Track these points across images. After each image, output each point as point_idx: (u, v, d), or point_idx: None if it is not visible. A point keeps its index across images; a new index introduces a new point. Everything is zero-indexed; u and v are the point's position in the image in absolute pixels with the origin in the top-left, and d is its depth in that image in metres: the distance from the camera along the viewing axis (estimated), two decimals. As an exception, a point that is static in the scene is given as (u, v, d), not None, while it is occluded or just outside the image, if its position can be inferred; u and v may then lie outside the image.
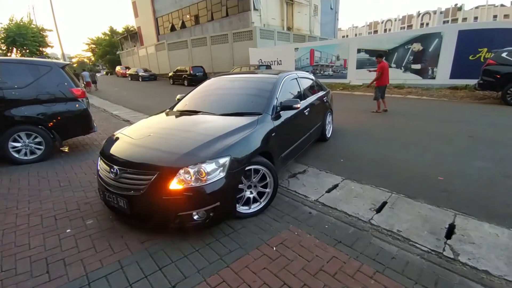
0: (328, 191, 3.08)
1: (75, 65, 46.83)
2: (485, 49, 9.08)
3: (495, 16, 42.94)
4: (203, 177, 2.04)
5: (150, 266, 1.92)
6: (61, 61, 7.65)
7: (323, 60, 14.68)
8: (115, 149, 2.43)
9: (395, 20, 56.37)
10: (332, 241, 2.20)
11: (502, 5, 46.35)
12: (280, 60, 17.06)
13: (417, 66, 10.94)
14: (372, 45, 12.40)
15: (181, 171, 2.02)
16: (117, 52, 42.03)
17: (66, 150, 4.79)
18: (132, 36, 38.23)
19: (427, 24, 49.81)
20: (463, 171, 3.45)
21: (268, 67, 15.85)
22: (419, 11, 53.18)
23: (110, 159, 2.31)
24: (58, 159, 4.29)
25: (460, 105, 8.15)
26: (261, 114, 2.86)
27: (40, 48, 24.89)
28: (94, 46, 49.02)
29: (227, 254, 2.03)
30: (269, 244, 2.14)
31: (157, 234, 2.25)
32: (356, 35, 58.66)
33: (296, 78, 3.95)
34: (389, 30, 55.83)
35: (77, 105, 4.38)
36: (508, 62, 7.08)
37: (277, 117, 2.98)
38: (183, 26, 26.77)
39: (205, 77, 19.99)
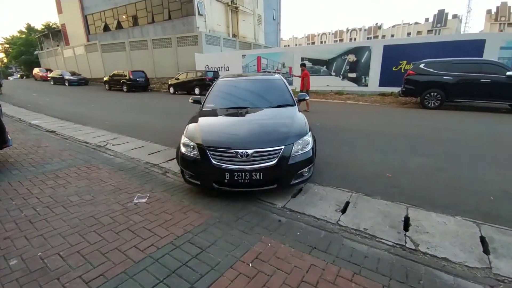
0: (293, 196, 3.06)
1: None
2: (405, 61, 10.68)
3: (409, 33, 51.61)
4: (306, 146, 2.98)
5: (101, 312, 1.53)
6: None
7: (269, 67, 15.18)
8: (232, 140, 2.92)
9: (329, 34, 62.99)
10: (307, 248, 2.14)
11: (416, 23, 55.74)
12: (228, 66, 17.03)
13: (353, 75, 12.23)
14: (314, 54, 13.39)
15: (295, 144, 2.89)
16: (35, 52, 36.00)
17: (-34, 172, 3.74)
18: (55, 34, 33.36)
19: (355, 38, 57.04)
20: (406, 167, 3.87)
21: (215, 73, 15.61)
22: (348, 28, 60.73)
23: (235, 147, 2.76)
24: (-47, 184, 3.29)
25: (390, 109, 9.34)
26: (293, 105, 3.94)
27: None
28: (7, 46, 41.21)
29: (199, 280, 1.77)
30: (243, 261, 1.96)
31: (108, 270, 1.85)
32: (296, 45, 63.11)
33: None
34: (325, 42, 61.91)
35: (-18, 114, 3.46)
36: (425, 72, 8.43)
37: None
38: (119, 26, 24.55)
39: (147, 82, 18.63)
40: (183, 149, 3.02)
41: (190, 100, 4.42)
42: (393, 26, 56.03)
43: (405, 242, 2.22)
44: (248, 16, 25.60)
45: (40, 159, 4.29)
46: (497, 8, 44.58)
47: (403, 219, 2.56)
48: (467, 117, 7.48)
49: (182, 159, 3.01)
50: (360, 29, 58.15)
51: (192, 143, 2.96)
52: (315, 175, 3.59)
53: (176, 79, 16.16)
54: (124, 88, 18.05)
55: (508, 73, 7.16)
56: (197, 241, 2.17)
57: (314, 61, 13.18)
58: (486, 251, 2.13)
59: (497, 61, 8.04)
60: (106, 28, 25.65)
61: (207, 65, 17.73)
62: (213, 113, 3.78)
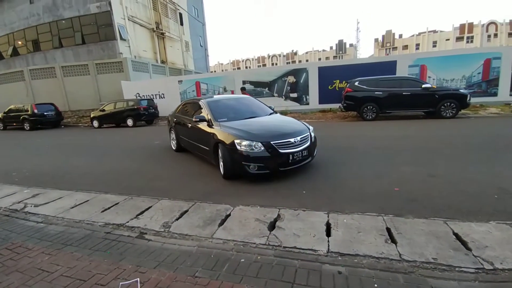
0: (327, 234, 2.57)
1: None
2: (338, 81, 11.92)
3: (319, 58, 60.41)
4: (313, 132, 4.52)
5: None
6: None
7: (210, 92, 14.71)
8: (286, 133, 4.14)
9: (253, 59, 67.76)
10: (403, 305, 1.66)
11: (324, 50, 66.79)
12: (163, 94, 15.75)
13: (294, 95, 12.92)
14: (255, 77, 13.66)
15: (309, 131, 4.43)
16: None
17: None
18: None
19: (276, 63, 62.97)
20: (402, 177, 3.87)
21: (150, 101, 14.12)
22: (268, 54, 67.07)
23: (289, 137, 4.04)
24: None
25: (338, 124, 10.03)
26: (277, 112, 5.53)
27: None
28: None
29: None
30: None
31: None
32: (222, 70, 65.09)
33: None
34: (249, 67, 65.99)
35: None
36: (360, 89, 9.47)
37: None
38: (16, 53, 20.13)
39: (59, 117, 15.47)
40: (243, 149, 3.83)
41: (194, 119, 4.85)
42: (307, 53, 64.76)
43: (482, 265, 1.99)
44: (176, 42, 24.93)
45: None
46: (383, 36, 56.35)
47: (454, 238, 2.38)
48: (403, 125, 8.56)
49: (246, 157, 3.82)
50: (280, 55, 64.84)
51: (254, 143, 3.84)
52: (328, 203, 3.20)
53: (101, 110, 13.89)
54: (26, 125, 14.49)
55: (423, 86, 8.68)
56: None
57: (256, 84, 13.43)
58: (540, 251, 2.10)
59: (414, 76, 9.74)
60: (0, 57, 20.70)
61: (138, 93, 16.00)
62: (238, 123, 4.46)
